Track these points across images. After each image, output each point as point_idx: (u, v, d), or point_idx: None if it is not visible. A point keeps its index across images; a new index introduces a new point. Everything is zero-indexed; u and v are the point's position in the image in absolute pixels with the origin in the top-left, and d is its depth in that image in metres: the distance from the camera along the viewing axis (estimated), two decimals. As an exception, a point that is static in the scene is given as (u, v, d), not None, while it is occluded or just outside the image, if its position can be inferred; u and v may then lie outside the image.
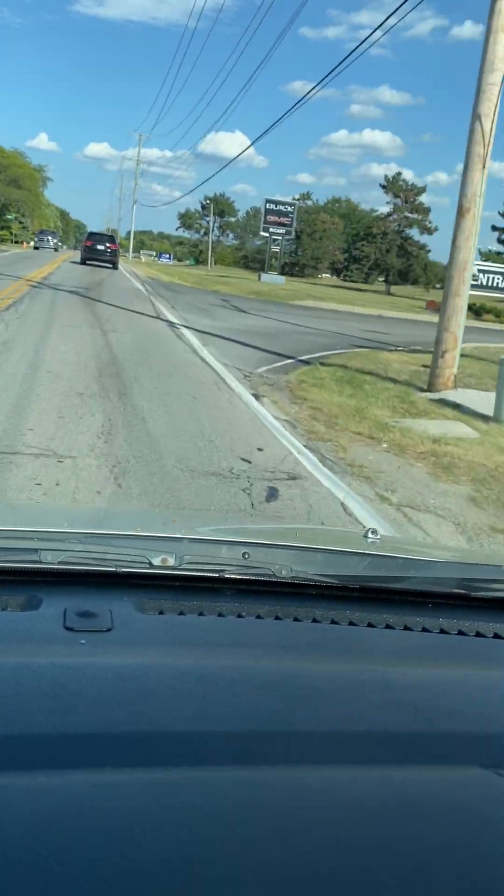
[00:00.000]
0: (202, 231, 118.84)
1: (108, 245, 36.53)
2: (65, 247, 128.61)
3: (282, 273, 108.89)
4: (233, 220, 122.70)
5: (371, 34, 16.84)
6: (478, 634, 1.16)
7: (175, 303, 20.03)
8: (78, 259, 36.73)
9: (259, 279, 48.65)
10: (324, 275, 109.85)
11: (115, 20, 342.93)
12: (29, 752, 0.73)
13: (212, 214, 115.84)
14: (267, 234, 53.28)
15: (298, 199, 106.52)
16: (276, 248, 52.83)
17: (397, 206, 67.20)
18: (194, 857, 0.61)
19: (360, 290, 62.09)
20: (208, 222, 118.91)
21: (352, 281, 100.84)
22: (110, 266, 35.07)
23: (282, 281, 49.21)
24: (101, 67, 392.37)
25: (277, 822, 0.67)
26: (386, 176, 68.11)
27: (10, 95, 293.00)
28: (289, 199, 55.66)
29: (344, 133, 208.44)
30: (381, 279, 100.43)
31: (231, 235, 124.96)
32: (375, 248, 68.30)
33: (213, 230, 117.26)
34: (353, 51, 17.84)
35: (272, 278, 48.95)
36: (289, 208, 53.52)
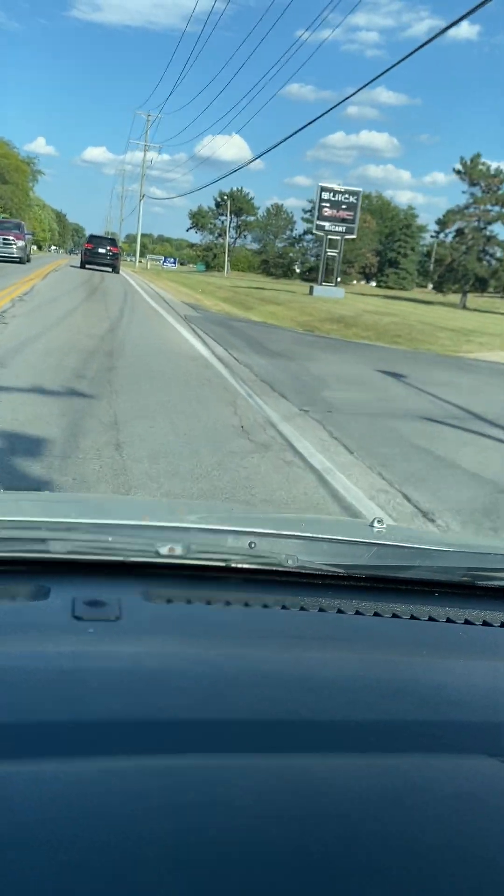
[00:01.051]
0: (216, 232, 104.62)
1: (108, 248, 34.16)
2: (60, 251, 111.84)
3: (306, 279, 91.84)
4: (251, 219, 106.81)
5: (420, 47, 11.70)
6: (485, 623, 1.16)
7: (349, 432, 6.44)
8: (69, 268, 31.96)
9: (311, 293, 35.60)
10: (357, 282, 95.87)
11: (113, 25, 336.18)
12: (37, 741, 0.73)
13: (228, 213, 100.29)
14: (322, 233, 39.49)
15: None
16: (333, 252, 38.90)
17: (477, 196, 53.07)
18: (200, 844, 0.61)
19: (425, 301, 48.63)
20: (224, 222, 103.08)
21: (388, 287, 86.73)
22: (110, 269, 32.87)
23: (341, 295, 35.97)
24: (98, 72, 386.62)
25: (283, 810, 0.66)
26: (462, 158, 53.81)
27: (8, 100, 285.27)
28: (352, 188, 41.50)
29: (341, 135, 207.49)
30: (418, 284, 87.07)
31: (248, 237, 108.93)
32: (451, 250, 54.26)
33: (229, 231, 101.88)
34: (388, 70, 13.55)
35: (329, 291, 35.74)
36: (351, 198, 39.62)
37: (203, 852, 0.60)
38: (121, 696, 0.82)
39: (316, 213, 39.47)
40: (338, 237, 38.83)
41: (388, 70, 14.23)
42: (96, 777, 0.68)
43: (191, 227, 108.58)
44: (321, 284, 37.34)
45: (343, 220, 38.86)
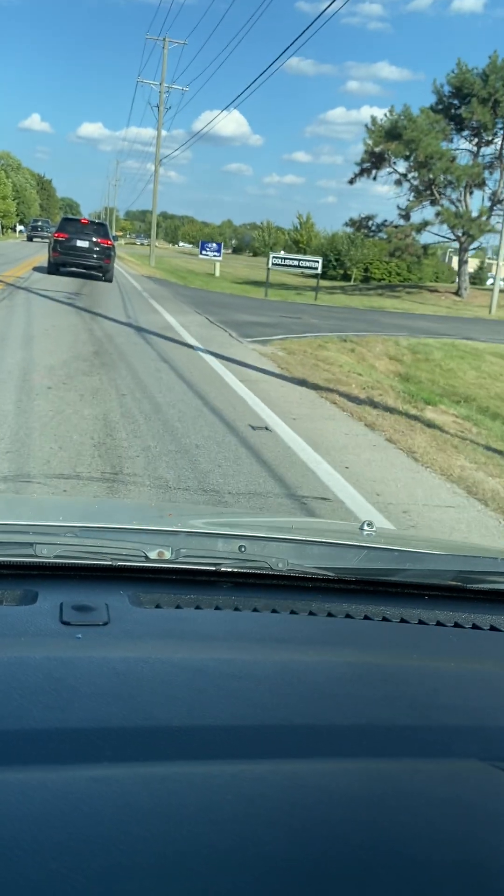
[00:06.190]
0: (460, 179, 32.06)
1: (95, 240, 20.04)
2: (45, 230, 73.62)
3: None
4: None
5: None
6: (474, 627, 1.16)
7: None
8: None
9: None
10: None
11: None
12: (25, 748, 0.72)
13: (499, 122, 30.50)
14: None
15: None
16: None
17: None
18: (191, 851, 0.60)
19: None
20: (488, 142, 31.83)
21: None
22: (100, 275, 20.08)
23: None
24: (93, 46, 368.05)
25: (274, 816, 0.66)
26: None
27: (1, 75, 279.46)
28: None
29: (341, 110, 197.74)
30: None
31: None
32: None
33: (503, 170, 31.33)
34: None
35: None
36: None
37: (194, 860, 0.59)
38: (109, 703, 0.81)
39: None
40: None
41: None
42: (85, 785, 0.67)
43: (362, 171, 35.05)
44: None
45: None
